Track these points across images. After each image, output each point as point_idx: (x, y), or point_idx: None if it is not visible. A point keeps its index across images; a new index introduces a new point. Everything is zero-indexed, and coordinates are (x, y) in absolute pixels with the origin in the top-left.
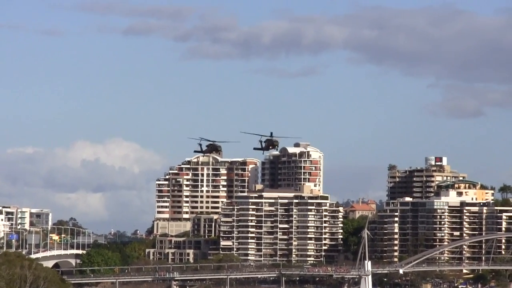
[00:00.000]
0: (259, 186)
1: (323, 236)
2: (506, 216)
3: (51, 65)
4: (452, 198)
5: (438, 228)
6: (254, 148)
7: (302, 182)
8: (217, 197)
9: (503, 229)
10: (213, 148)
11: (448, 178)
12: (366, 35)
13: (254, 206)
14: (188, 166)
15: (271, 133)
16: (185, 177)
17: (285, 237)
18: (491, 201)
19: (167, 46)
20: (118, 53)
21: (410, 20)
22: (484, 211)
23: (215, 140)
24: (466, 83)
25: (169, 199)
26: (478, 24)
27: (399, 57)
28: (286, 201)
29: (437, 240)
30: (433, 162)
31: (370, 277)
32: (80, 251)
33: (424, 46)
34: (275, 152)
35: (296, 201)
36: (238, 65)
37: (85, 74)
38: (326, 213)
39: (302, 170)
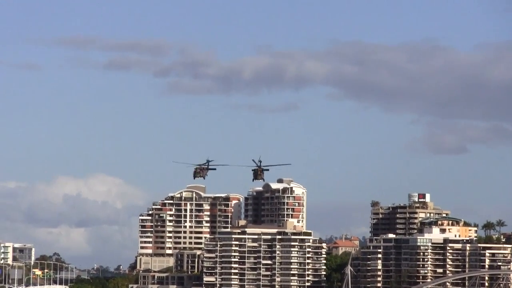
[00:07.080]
0: (242, 222)
1: (306, 272)
2: (489, 253)
3: (31, 99)
4: (435, 235)
5: (421, 265)
6: (252, 169)
7: (285, 218)
8: (200, 232)
9: (486, 266)
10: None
11: (431, 214)
12: (346, 71)
13: (237, 242)
14: (171, 201)
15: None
16: (168, 212)
17: (268, 273)
18: (474, 238)
19: (147, 81)
20: (99, 88)
21: (391, 55)
22: (467, 248)
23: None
24: (447, 120)
25: (152, 235)
26: (458, 60)
27: (379, 93)
28: (269, 237)
29: (420, 277)
30: (416, 199)
31: None
32: (63, 286)
33: (404, 82)
34: (259, 188)
35: (279, 237)
36: (218, 100)
37: (66, 109)
38: (309, 249)
39: (285, 206)
